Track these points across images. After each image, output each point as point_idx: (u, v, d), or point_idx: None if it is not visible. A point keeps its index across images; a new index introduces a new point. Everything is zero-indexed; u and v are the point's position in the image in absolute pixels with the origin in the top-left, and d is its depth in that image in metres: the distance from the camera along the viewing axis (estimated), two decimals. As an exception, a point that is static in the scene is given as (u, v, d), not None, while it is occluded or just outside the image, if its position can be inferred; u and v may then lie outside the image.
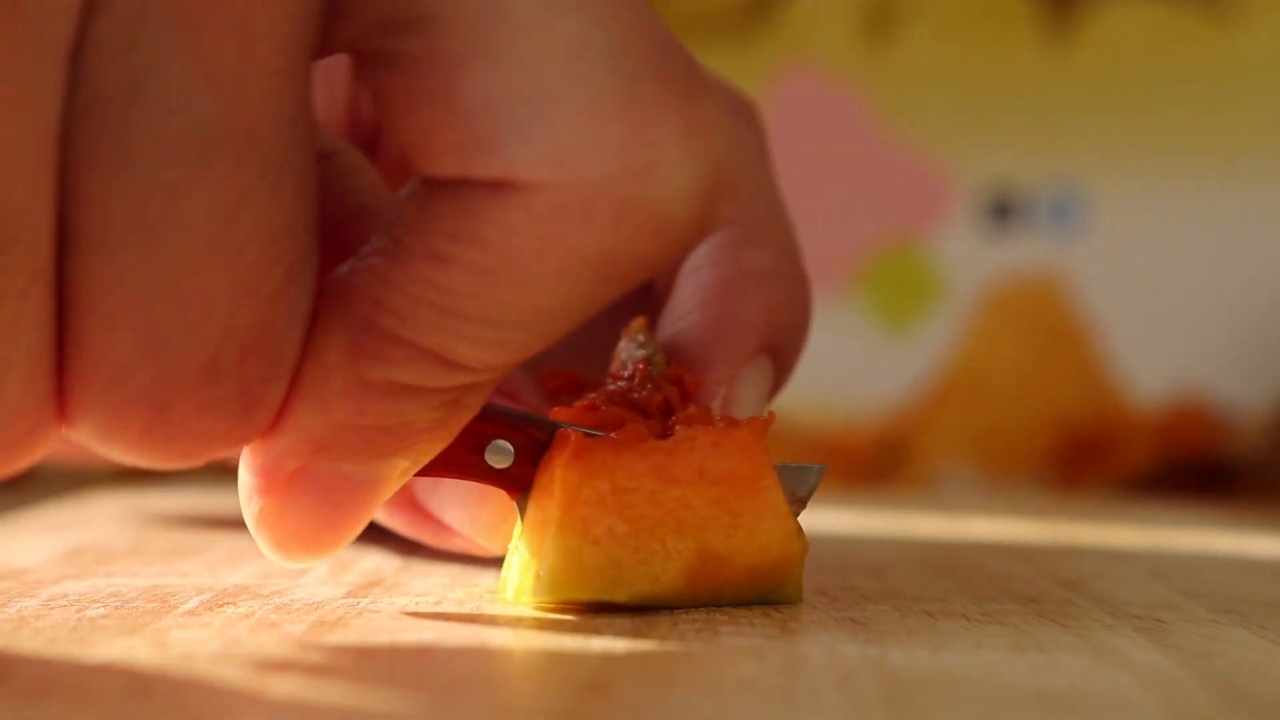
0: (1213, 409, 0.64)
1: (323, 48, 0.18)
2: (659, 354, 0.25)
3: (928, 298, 0.66)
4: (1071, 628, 0.23)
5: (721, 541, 0.23)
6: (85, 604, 0.23)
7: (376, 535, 0.31)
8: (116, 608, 0.23)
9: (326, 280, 0.19)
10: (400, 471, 0.20)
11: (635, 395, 0.24)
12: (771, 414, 0.24)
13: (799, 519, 0.24)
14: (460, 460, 0.23)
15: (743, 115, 0.30)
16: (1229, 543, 0.39)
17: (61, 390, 0.17)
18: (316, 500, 0.20)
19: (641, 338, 0.26)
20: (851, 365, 0.66)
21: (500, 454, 0.23)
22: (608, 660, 0.20)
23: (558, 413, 0.24)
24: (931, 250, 0.66)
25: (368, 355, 0.19)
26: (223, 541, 0.32)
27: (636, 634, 0.21)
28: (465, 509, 0.26)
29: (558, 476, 0.23)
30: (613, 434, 0.23)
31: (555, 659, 0.20)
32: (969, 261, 0.66)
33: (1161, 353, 0.65)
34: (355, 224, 0.21)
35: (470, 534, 0.26)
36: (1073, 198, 0.66)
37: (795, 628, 0.22)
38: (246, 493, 0.20)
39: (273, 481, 0.20)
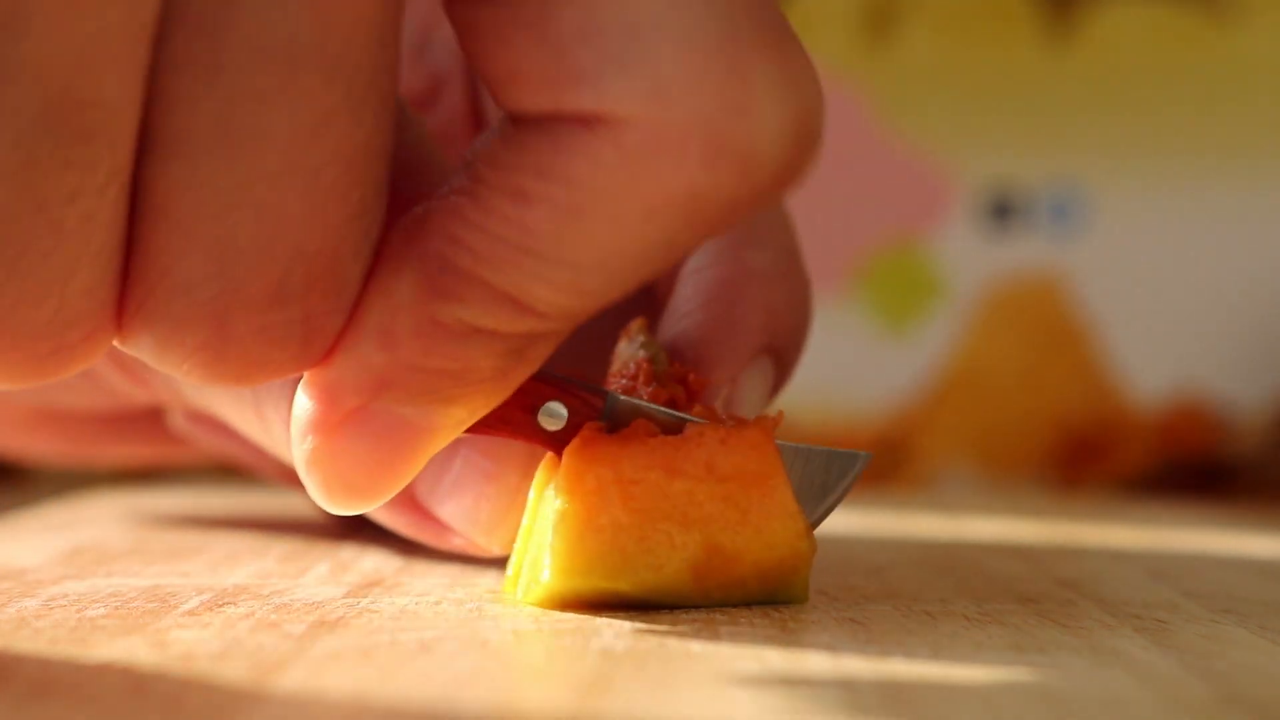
0: (1213, 409, 0.64)
1: None
2: (661, 353, 0.25)
3: (928, 298, 0.66)
4: (1071, 628, 0.23)
5: (729, 538, 0.23)
6: (85, 604, 0.23)
7: (377, 535, 0.31)
8: (116, 608, 0.23)
9: (399, 220, 0.19)
10: (455, 421, 0.20)
11: (640, 393, 0.24)
12: (780, 413, 0.24)
13: (830, 513, 0.24)
14: (513, 418, 0.23)
15: None
16: (1229, 543, 0.39)
17: (122, 300, 0.17)
18: (371, 443, 0.19)
19: (642, 338, 0.26)
20: (851, 365, 0.66)
21: (553, 417, 0.23)
22: (608, 660, 0.20)
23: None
24: (931, 250, 0.66)
25: (440, 294, 0.18)
26: (223, 541, 0.32)
27: (636, 634, 0.21)
28: (464, 508, 0.26)
29: (563, 466, 0.23)
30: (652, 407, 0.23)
31: (555, 659, 0.20)
32: (969, 261, 0.66)
33: (1161, 353, 0.65)
34: (406, 178, 0.21)
35: (469, 533, 0.26)
36: (1073, 198, 0.66)
37: (795, 628, 0.22)
38: (300, 430, 0.19)
39: (329, 419, 0.19)
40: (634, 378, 0.25)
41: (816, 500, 0.25)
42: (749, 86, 0.17)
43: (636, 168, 0.17)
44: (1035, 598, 0.26)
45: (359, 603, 0.24)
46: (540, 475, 0.24)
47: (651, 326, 0.27)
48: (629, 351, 0.26)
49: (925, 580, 0.28)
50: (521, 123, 0.18)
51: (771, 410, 0.26)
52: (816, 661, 0.20)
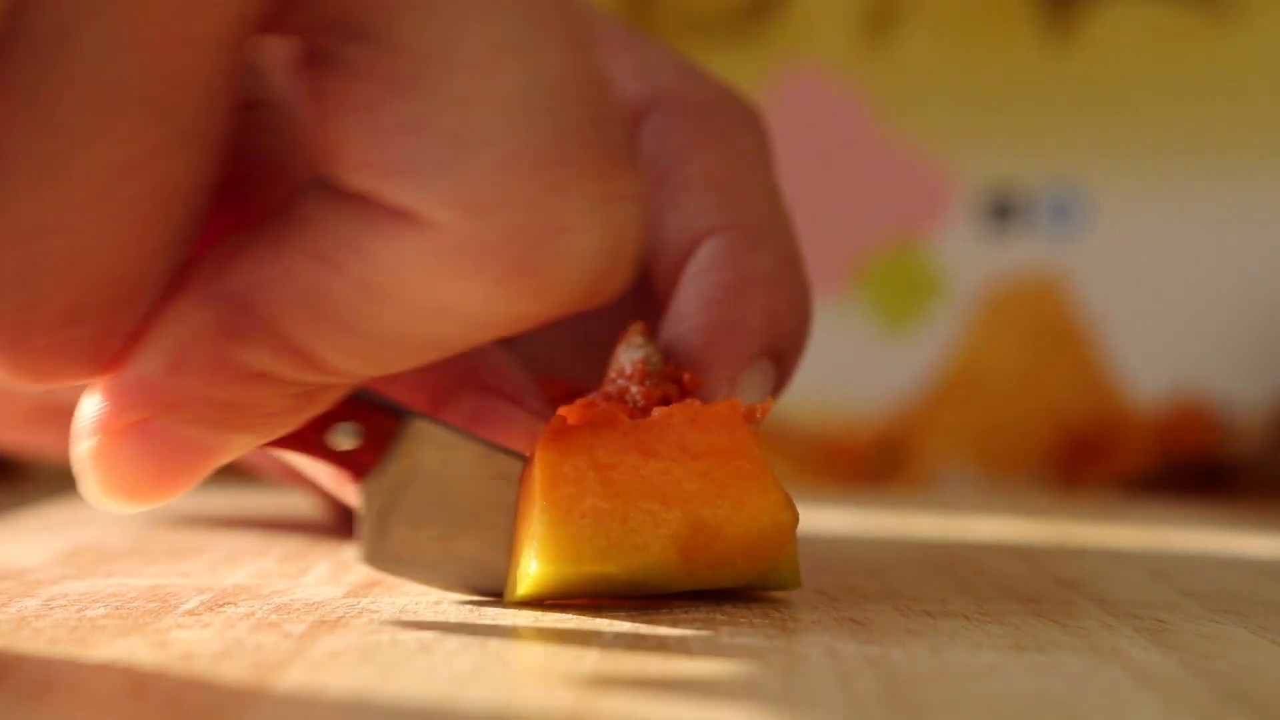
0: (1213, 409, 0.64)
1: (268, 27, 0.18)
2: (656, 354, 0.25)
3: (928, 298, 0.66)
4: (1071, 628, 0.23)
5: (710, 512, 0.23)
6: (85, 604, 0.23)
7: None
8: (116, 608, 0.23)
9: (214, 247, 0.19)
10: (239, 445, 0.20)
11: (634, 391, 0.24)
12: (770, 400, 0.25)
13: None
14: (303, 437, 0.23)
15: (745, 120, 0.30)
16: (1229, 543, 0.39)
17: None
18: (152, 454, 0.19)
19: (639, 341, 0.26)
20: (851, 365, 0.66)
21: (345, 436, 0.23)
22: (608, 660, 0.20)
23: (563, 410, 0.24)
24: (931, 250, 0.66)
25: (235, 334, 0.18)
26: (223, 541, 0.32)
27: (636, 634, 0.21)
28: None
29: (536, 458, 0.23)
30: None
31: (555, 659, 0.20)
32: (969, 261, 0.66)
33: (1161, 353, 0.65)
34: (263, 183, 0.21)
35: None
36: (1073, 198, 0.66)
37: (795, 628, 0.22)
38: (84, 428, 0.20)
39: (113, 425, 0.19)
40: (629, 378, 0.25)
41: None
42: (561, 210, 0.17)
43: (435, 267, 0.17)
44: (1035, 598, 0.26)
45: (359, 603, 0.24)
46: (524, 480, 0.24)
47: (651, 330, 0.27)
48: (627, 354, 0.26)
49: (925, 580, 0.28)
50: (340, 193, 0.18)
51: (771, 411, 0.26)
52: (816, 661, 0.20)
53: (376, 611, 0.23)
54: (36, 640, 0.20)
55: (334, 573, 0.27)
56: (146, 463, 0.19)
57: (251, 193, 0.21)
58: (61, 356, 0.18)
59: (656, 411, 0.24)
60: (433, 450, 0.24)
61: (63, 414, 0.35)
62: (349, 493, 0.27)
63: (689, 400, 0.24)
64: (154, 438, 0.19)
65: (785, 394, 0.29)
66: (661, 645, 0.21)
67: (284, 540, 0.33)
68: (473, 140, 0.17)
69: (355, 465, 0.23)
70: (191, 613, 0.23)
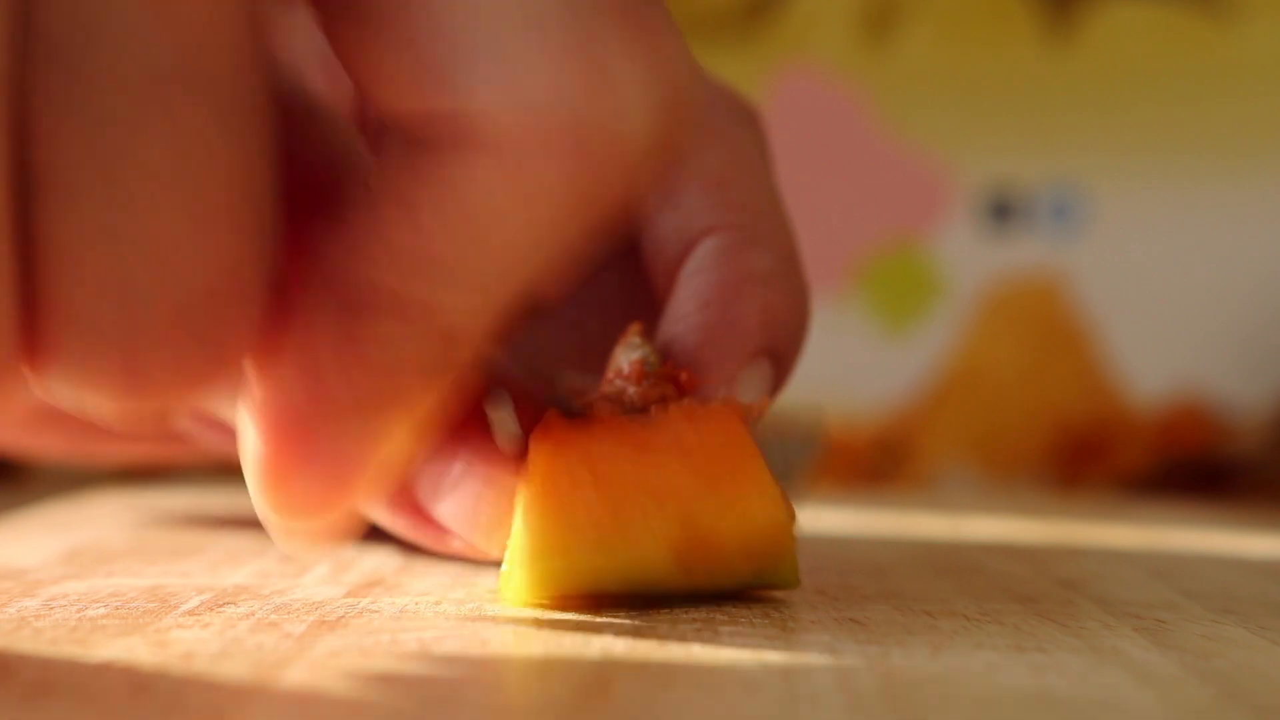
0: (1213, 409, 0.64)
1: None
2: (654, 354, 0.25)
3: (928, 298, 0.66)
4: (1071, 628, 0.23)
5: (703, 510, 0.23)
6: (85, 604, 0.23)
7: (378, 536, 0.32)
8: (116, 608, 0.23)
9: (306, 236, 0.19)
10: (395, 430, 0.20)
11: (631, 392, 0.24)
12: (765, 400, 0.25)
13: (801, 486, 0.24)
14: (471, 415, 0.23)
15: (744, 119, 0.30)
16: (1229, 543, 0.39)
17: (31, 342, 0.17)
18: (317, 467, 0.19)
19: (637, 340, 0.26)
20: (851, 365, 0.66)
21: (503, 414, 0.23)
22: (608, 660, 0.20)
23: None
24: (931, 250, 0.66)
25: (350, 307, 0.19)
26: (223, 541, 0.32)
27: (636, 634, 0.21)
28: (464, 511, 0.26)
29: (530, 454, 0.23)
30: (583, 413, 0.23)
31: (555, 659, 0.20)
32: (969, 261, 0.66)
33: (1161, 353, 0.65)
34: (331, 185, 0.21)
35: (469, 536, 0.26)
36: (1073, 198, 0.66)
37: (795, 628, 0.22)
38: (250, 464, 0.20)
39: (271, 450, 0.19)
40: (627, 379, 0.25)
41: (784, 479, 0.25)
42: (606, 70, 0.17)
43: (511, 169, 0.18)
44: (1035, 598, 0.26)
45: (359, 603, 0.24)
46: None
47: (649, 331, 0.27)
48: (625, 355, 0.26)
49: (925, 580, 0.28)
50: (407, 135, 0.18)
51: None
52: (816, 661, 0.20)
53: (376, 611, 0.23)
54: (36, 640, 0.20)
55: (334, 573, 0.27)
56: (314, 476, 0.19)
57: (317, 205, 0.21)
58: (179, 372, 0.18)
59: (653, 409, 0.24)
60: None
61: (63, 414, 0.35)
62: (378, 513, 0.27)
63: (686, 399, 0.24)
64: (314, 451, 0.19)
65: (784, 394, 0.29)
66: (661, 645, 0.21)
67: (284, 540, 0.33)
68: (502, 26, 0.17)
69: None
70: (191, 613, 0.23)
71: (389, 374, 0.19)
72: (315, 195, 0.20)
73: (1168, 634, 0.23)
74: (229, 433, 0.32)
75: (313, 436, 0.19)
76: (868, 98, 0.66)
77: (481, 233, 0.18)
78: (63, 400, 0.18)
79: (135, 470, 0.54)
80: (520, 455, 0.23)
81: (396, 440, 0.20)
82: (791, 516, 0.24)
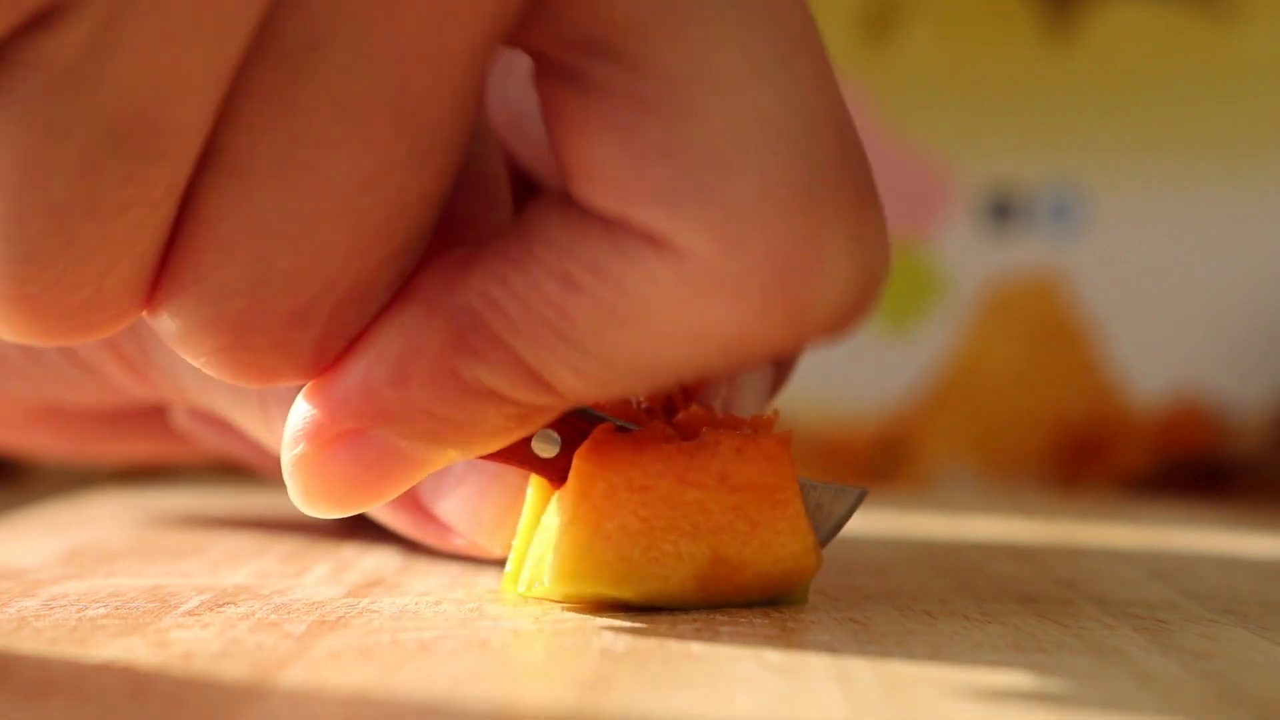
0: (1213, 409, 0.64)
1: (512, 41, 0.17)
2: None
3: (928, 298, 0.66)
4: (1071, 628, 0.23)
5: (736, 549, 0.23)
6: (85, 604, 0.23)
7: (378, 535, 0.31)
8: (116, 608, 0.23)
9: (441, 258, 0.19)
10: (447, 459, 0.20)
11: (637, 397, 0.24)
12: (775, 412, 0.24)
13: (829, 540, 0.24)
14: (510, 448, 0.23)
15: None
16: (1229, 543, 0.39)
17: (155, 289, 0.18)
18: (360, 464, 0.20)
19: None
20: (851, 365, 0.66)
21: (548, 443, 0.23)
22: (608, 660, 0.20)
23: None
24: (931, 250, 0.66)
25: (466, 350, 0.18)
26: (223, 541, 0.32)
27: (636, 634, 0.21)
28: (467, 509, 0.26)
29: (574, 468, 0.23)
30: (634, 428, 0.23)
31: (555, 659, 0.20)
32: (969, 261, 0.66)
33: (1161, 353, 0.65)
34: (468, 195, 0.21)
35: (471, 534, 0.26)
36: (1073, 198, 0.66)
37: (795, 628, 0.22)
38: (294, 435, 0.20)
39: (324, 434, 0.19)
40: None
41: (818, 527, 0.25)
42: (820, 241, 0.17)
43: (691, 296, 0.17)
44: (1035, 598, 0.26)
45: (359, 603, 0.24)
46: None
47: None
48: None
49: (925, 580, 0.28)
50: (586, 212, 0.18)
51: (768, 411, 0.26)
52: (816, 661, 0.20)
53: (376, 611, 0.23)
54: (36, 640, 0.20)
55: (334, 573, 0.27)
56: (354, 471, 0.20)
57: (463, 213, 0.20)
58: (280, 357, 0.18)
59: (705, 434, 0.23)
60: None
61: (63, 414, 0.35)
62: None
63: (742, 428, 0.24)
64: (365, 449, 0.19)
65: (784, 393, 0.29)
66: (661, 645, 0.21)
67: (284, 540, 0.33)
68: (731, 168, 0.17)
69: (558, 473, 0.23)
70: (191, 613, 0.23)
71: (468, 418, 0.19)
72: (455, 222, 0.20)
73: (1168, 634, 0.23)
74: (229, 432, 0.32)
75: (368, 436, 0.19)
76: (867, 97, 0.66)
77: (629, 337, 0.18)
78: (167, 338, 0.18)
79: (135, 470, 0.54)
80: (557, 464, 0.23)
81: (441, 465, 0.20)
82: (819, 562, 0.24)
